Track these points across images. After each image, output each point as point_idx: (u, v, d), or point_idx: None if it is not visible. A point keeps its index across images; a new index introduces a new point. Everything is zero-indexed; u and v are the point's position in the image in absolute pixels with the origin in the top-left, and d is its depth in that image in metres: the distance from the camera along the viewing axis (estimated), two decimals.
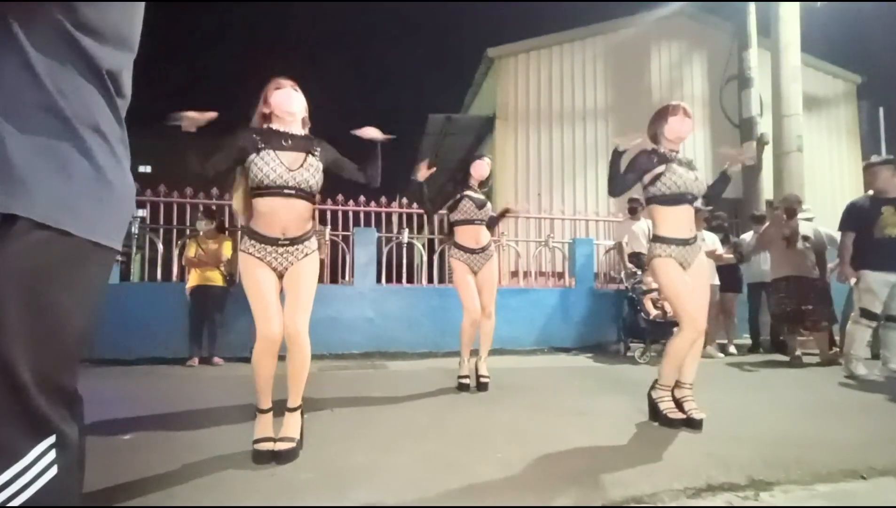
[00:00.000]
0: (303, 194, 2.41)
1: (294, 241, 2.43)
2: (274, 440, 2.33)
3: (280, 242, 2.40)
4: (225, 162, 2.41)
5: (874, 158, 5.03)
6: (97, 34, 1.01)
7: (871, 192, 4.90)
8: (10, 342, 0.89)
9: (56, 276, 0.96)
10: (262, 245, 2.39)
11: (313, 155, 2.47)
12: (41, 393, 0.93)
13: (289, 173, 2.36)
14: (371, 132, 2.69)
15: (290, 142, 2.44)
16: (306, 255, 2.47)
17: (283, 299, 2.45)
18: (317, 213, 6.59)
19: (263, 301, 2.36)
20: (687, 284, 2.92)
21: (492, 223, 4.14)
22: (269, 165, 2.35)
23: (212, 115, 2.28)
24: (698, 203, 3.17)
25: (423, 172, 3.62)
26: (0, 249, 0.90)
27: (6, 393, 0.89)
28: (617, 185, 3.00)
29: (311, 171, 2.42)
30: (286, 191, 2.37)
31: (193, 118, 2.26)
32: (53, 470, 0.94)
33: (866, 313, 4.69)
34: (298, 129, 2.54)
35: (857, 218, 4.81)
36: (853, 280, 4.85)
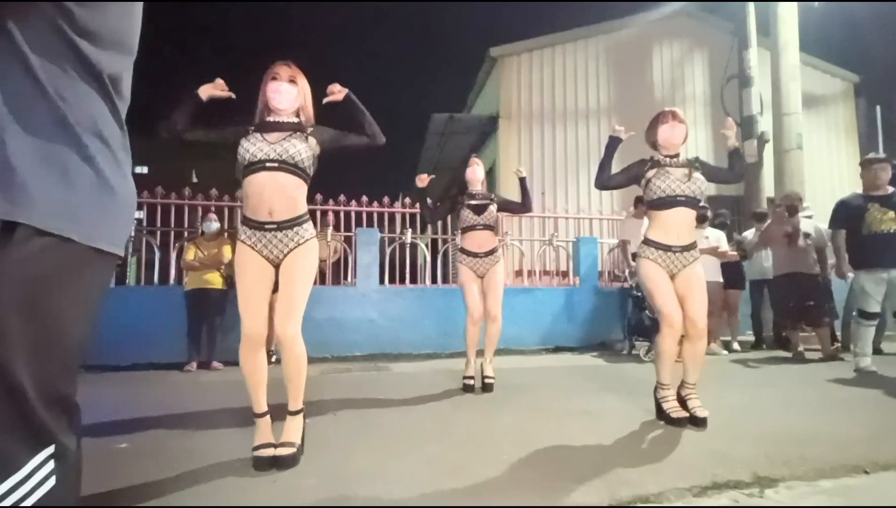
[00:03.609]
0: (286, 166, 2.31)
1: (282, 225, 2.33)
2: (274, 445, 2.29)
3: (267, 225, 2.32)
4: (206, 133, 2.44)
5: (871, 155, 5.04)
6: (97, 39, 1.01)
7: (859, 189, 4.92)
8: (12, 350, 0.88)
9: (58, 283, 0.96)
10: (253, 231, 2.34)
11: (301, 133, 2.41)
12: (41, 403, 0.93)
13: (269, 147, 2.31)
14: (336, 95, 2.60)
15: (278, 127, 2.41)
16: (299, 244, 2.37)
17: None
18: (317, 213, 6.60)
19: (249, 298, 2.32)
20: (664, 285, 2.95)
21: (525, 196, 4.12)
22: (253, 143, 2.33)
23: (226, 93, 2.48)
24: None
25: (422, 180, 3.93)
26: (1, 256, 0.90)
27: (6, 402, 0.89)
28: (603, 176, 3.15)
29: (292, 142, 2.35)
30: (268, 164, 2.29)
31: (215, 87, 2.45)
32: (52, 481, 0.94)
33: (864, 314, 4.69)
34: (291, 119, 2.48)
35: (846, 216, 4.82)
36: (850, 275, 4.86)
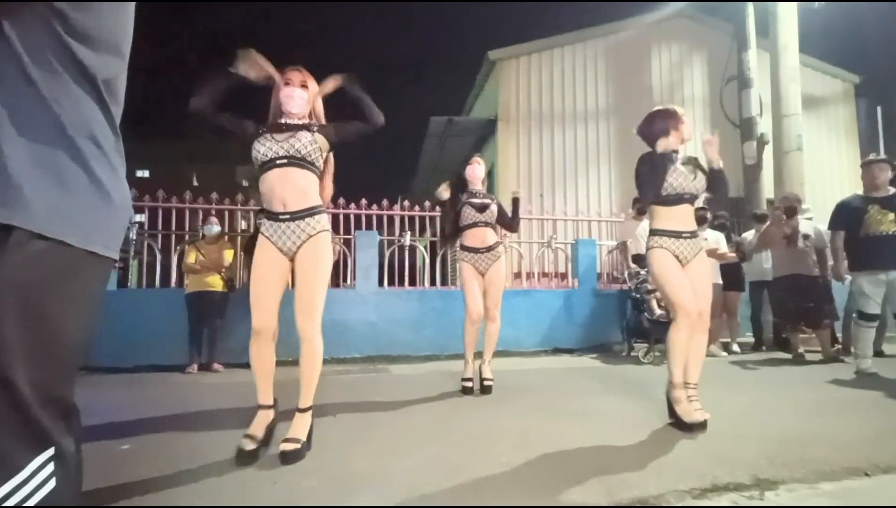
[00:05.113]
0: (295, 161, 2.42)
1: (296, 215, 2.42)
2: (258, 441, 2.32)
3: (281, 216, 2.41)
4: (229, 120, 2.48)
5: (871, 156, 5.03)
6: (91, 42, 1.01)
7: (860, 191, 4.91)
8: (9, 354, 0.88)
9: (54, 287, 0.96)
10: (270, 222, 2.44)
11: (308, 131, 2.49)
12: (40, 405, 0.93)
13: (278, 145, 2.42)
14: (330, 85, 2.63)
15: (287, 127, 2.49)
16: (311, 236, 2.43)
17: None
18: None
19: (258, 291, 2.39)
20: (679, 274, 2.98)
21: (515, 216, 4.22)
22: (264, 143, 2.43)
23: (272, 73, 2.47)
24: (698, 202, 3.22)
25: (445, 190, 4.02)
26: None
27: (5, 406, 0.89)
28: (649, 190, 3.03)
29: (298, 137, 2.44)
30: (278, 161, 2.41)
31: (258, 64, 2.43)
32: (52, 483, 0.94)
33: (863, 315, 4.69)
34: (303, 122, 2.56)
35: (846, 217, 4.82)
36: (848, 278, 4.87)
